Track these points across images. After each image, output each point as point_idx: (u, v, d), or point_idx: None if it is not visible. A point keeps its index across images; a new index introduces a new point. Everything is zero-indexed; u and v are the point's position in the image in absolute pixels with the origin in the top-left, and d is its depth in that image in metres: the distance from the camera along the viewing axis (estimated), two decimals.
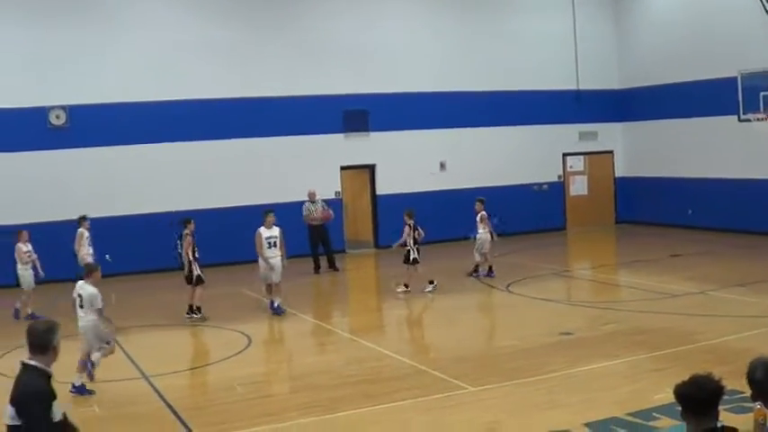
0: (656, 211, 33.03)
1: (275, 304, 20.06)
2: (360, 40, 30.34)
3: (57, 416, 6.58)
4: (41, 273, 21.24)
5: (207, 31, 28.75)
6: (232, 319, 19.68)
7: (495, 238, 23.66)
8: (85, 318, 13.87)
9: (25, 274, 20.88)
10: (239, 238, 23.80)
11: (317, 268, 26.21)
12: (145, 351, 17.08)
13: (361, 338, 17.55)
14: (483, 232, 23.53)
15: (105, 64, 27.10)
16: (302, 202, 27.14)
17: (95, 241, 22.48)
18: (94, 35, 27.11)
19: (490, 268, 23.68)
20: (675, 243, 28.02)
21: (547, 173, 33.77)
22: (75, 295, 14.14)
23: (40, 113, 26.54)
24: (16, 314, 20.61)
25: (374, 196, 31.48)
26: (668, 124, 32.19)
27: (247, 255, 21.27)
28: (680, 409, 5.69)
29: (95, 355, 13.91)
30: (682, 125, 31.47)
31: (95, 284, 14.02)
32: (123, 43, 27.50)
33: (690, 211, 31.31)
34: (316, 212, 26.89)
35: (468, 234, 24.84)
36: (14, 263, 21.03)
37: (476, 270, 23.79)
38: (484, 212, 23.69)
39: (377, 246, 31.06)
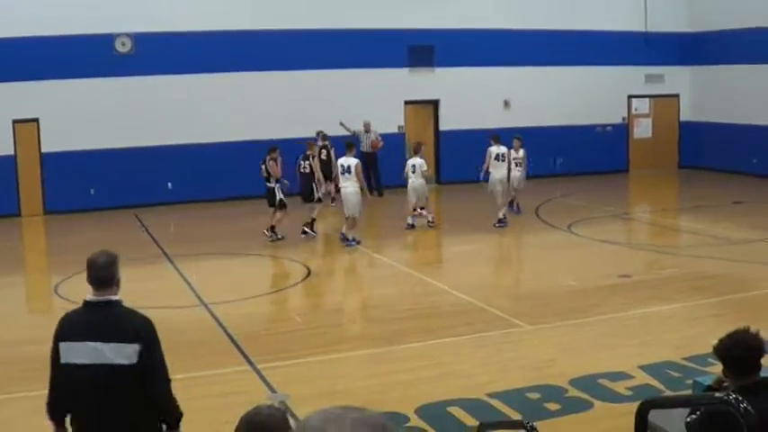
0: (721, 158, 32.47)
1: (347, 236, 20.05)
2: None
3: None
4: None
5: None
6: (294, 249, 19.87)
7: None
8: None
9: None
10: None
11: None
12: (205, 279, 17.33)
13: (419, 273, 17.64)
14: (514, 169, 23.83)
15: None
16: None
17: (156, 169, 22.59)
18: None
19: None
20: (738, 190, 27.67)
21: (611, 114, 33.39)
22: None
23: (107, 40, 26.76)
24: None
25: (437, 132, 31.47)
26: (737, 70, 31.45)
27: None
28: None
29: None
30: (751, 71, 30.67)
31: None
32: None
33: (754, 160, 30.83)
34: (368, 141, 27.76)
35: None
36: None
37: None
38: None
39: (439, 181, 31.07)
